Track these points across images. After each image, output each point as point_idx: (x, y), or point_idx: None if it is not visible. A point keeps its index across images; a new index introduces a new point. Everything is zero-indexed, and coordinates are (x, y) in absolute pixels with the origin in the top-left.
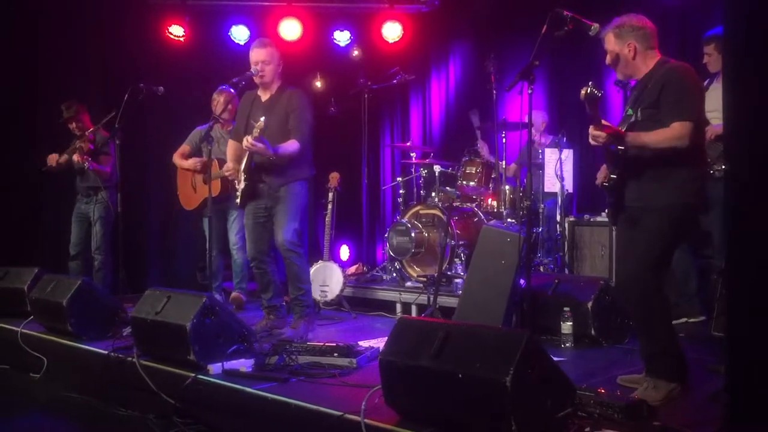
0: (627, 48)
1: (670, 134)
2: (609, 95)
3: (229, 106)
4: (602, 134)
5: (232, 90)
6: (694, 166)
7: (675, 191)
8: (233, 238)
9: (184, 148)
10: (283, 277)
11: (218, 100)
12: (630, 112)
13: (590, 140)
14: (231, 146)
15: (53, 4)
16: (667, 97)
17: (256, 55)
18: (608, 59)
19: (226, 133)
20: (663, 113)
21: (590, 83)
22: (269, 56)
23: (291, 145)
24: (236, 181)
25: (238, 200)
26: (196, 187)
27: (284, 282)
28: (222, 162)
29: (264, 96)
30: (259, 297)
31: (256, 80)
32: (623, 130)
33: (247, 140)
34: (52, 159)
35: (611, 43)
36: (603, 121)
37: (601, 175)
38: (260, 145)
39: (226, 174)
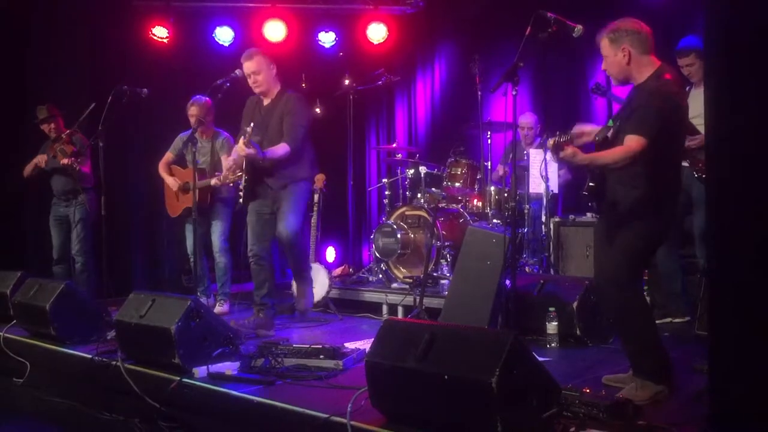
0: (621, 53)
1: (623, 150)
2: (593, 102)
3: (207, 117)
4: (568, 152)
5: (203, 99)
6: (669, 171)
7: (651, 195)
8: (216, 242)
9: (168, 155)
10: (279, 278)
11: (190, 111)
12: (611, 123)
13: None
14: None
15: (37, 5)
16: (632, 117)
17: (246, 67)
18: (604, 64)
19: (207, 142)
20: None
21: (558, 132)
22: (257, 66)
23: (280, 149)
24: (239, 180)
25: (241, 200)
26: (178, 196)
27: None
28: (202, 171)
29: (266, 100)
30: (241, 301)
31: (255, 91)
32: (599, 138)
33: (239, 147)
34: (28, 170)
35: (606, 47)
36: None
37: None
38: (251, 150)
39: (227, 170)
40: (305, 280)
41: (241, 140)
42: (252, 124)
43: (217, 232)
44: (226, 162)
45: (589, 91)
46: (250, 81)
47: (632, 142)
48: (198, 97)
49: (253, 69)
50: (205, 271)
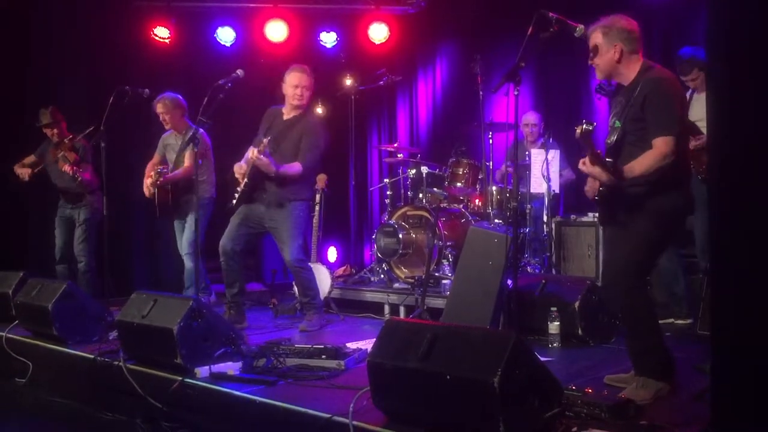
0: (613, 50)
1: (655, 154)
2: (595, 103)
3: (175, 113)
4: (603, 174)
5: (169, 96)
6: (679, 169)
7: (661, 194)
8: (183, 243)
9: (155, 157)
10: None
11: (156, 109)
12: (617, 124)
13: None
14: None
15: (37, 5)
16: (650, 113)
17: (299, 79)
18: (591, 57)
19: (179, 138)
20: (647, 130)
21: (584, 121)
22: (309, 83)
23: (293, 167)
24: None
25: (234, 201)
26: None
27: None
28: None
29: (287, 114)
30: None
31: (293, 102)
32: (611, 141)
33: (253, 153)
34: (25, 173)
35: (598, 39)
36: (598, 152)
37: (588, 187)
38: (264, 159)
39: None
40: (310, 305)
41: (255, 149)
42: (269, 137)
43: (185, 234)
44: (189, 157)
45: (592, 91)
46: (295, 91)
47: (661, 144)
48: (165, 94)
49: (306, 84)
50: (203, 270)
